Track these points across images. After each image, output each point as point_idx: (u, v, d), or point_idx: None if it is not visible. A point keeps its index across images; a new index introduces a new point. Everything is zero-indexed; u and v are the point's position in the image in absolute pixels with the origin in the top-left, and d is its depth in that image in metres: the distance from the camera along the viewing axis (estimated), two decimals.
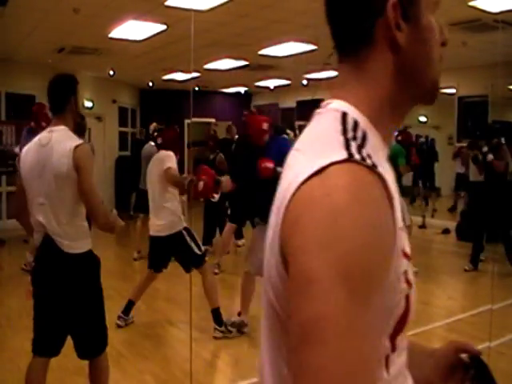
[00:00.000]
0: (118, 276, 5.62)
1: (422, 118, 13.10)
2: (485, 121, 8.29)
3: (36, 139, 2.41)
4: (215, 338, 3.93)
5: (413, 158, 6.28)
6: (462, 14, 5.54)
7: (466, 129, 8.92)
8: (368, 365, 0.57)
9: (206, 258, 4.14)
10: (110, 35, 6.71)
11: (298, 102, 12.32)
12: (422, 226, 8.33)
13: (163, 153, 4.18)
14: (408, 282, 0.65)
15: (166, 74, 10.05)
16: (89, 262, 2.43)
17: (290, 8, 5.45)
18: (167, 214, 3.99)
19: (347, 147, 0.62)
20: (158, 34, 6.62)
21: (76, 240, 2.36)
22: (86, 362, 2.58)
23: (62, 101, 2.41)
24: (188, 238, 3.99)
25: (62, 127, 2.38)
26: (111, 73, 9.14)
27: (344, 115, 0.68)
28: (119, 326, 4.02)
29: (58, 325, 2.41)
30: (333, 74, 9.79)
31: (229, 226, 5.93)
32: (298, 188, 0.60)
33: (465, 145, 8.42)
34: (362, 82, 0.71)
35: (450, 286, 5.73)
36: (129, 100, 12.11)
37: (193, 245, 4.00)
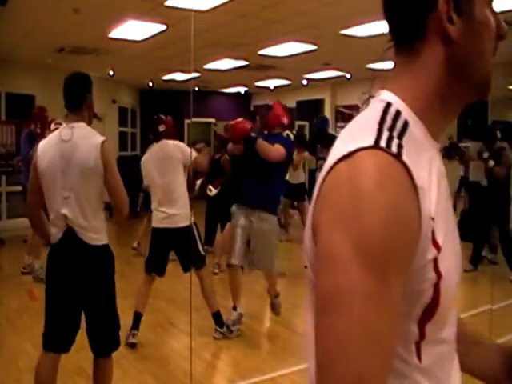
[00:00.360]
0: (117, 275, 5.62)
1: None
2: (485, 121, 8.28)
3: (55, 135, 2.46)
4: (215, 338, 3.93)
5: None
6: None
7: (466, 129, 8.91)
8: (381, 338, 0.60)
9: (206, 261, 4.08)
10: (110, 35, 6.71)
11: (298, 102, 12.32)
12: None
13: (177, 143, 3.99)
14: (438, 271, 0.66)
15: (165, 74, 10.05)
16: (109, 254, 2.51)
17: (289, 8, 5.46)
18: (184, 204, 3.86)
19: (378, 135, 0.65)
20: (158, 34, 6.62)
21: (99, 232, 2.44)
22: (86, 363, 2.59)
23: (79, 97, 2.47)
24: (196, 234, 3.91)
25: (82, 124, 2.45)
26: (111, 73, 9.14)
27: (387, 105, 0.71)
28: (132, 345, 3.71)
29: (74, 318, 2.44)
30: (333, 73, 9.80)
31: (229, 226, 5.93)
32: (330, 170, 0.65)
33: (467, 145, 8.42)
34: (413, 75, 0.73)
35: None
36: (129, 100, 12.11)
37: (199, 243, 3.93)
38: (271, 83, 11.47)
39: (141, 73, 10.07)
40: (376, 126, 0.67)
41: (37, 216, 2.52)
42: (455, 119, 0.81)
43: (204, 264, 3.94)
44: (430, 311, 0.67)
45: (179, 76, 10.05)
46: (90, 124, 2.50)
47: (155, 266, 3.91)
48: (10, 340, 3.90)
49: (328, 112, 11.53)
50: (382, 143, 0.63)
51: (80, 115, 2.46)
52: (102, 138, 2.42)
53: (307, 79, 10.63)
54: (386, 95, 0.73)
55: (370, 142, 0.64)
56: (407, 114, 0.71)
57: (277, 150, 3.77)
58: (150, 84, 11.03)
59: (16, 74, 8.51)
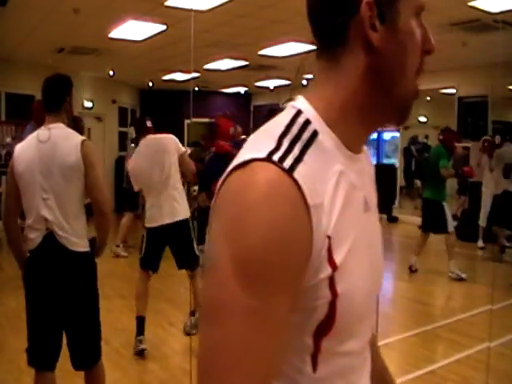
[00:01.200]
0: (114, 275, 5.63)
1: (422, 118, 13.08)
2: (485, 121, 8.29)
3: (32, 136, 2.38)
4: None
5: (466, 169, 6.11)
6: (462, 14, 5.54)
7: (466, 129, 8.92)
8: (256, 357, 0.59)
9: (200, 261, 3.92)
10: (110, 35, 6.71)
11: None
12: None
13: (167, 134, 3.86)
14: (333, 290, 0.64)
15: (166, 74, 10.05)
16: (91, 263, 2.41)
17: (290, 8, 5.45)
18: (182, 195, 3.73)
19: (275, 146, 0.63)
20: (158, 34, 6.62)
21: (82, 238, 2.35)
22: None
23: (59, 99, 2.40)
24: (191, 230, 3.79)
25: (60, 124, 2.38)
26: (111, 73, 9.15)
27: (297, 114, 0.68)
28: (141, 352, 3.55)
29: (58, 333, 2.34)
30: None
31: None
32: (226, 177, 0.63)
33: (467, 145, 8.43)
34: (331, 81, 0.71)
35: (450, 286, 5.73)
36: (129, 100, 12.11)
37: (194, 242, 3.79)
38: (271, 83, 11.47)
39: (141, 73, 10.07)
40: (277, 137, 0.64)
41: (13, 223, 2.40)
42: (374, 130, 0.77)
43: (198, 265, 3.82)
44: (325, 327, 0.66)
45: (179, 76, 10.05)
46: (68, 126, 2.43)
47: (151, 264, 3.78)
48: (10, 340, 3.90)
49: None
50: (275, 157, 0.61)
51: (58, 117, 2.39)
52: (81, 138, 2.35)
53: (307, 79, 10.63)
54: (300, 102, 0.71)
55: (265, 153, 0.61)
56: (318, 123, 0.68)
57: None
58: (150, 84, 11.03)
59: (16, 74, 8.52)
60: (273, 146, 0.63)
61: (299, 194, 0.60)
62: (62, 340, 2.38)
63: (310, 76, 10.29)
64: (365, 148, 0.80)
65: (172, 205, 3.66)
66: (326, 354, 0.68)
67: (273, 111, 4.23)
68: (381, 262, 0.81)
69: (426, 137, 12.39)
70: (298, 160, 0.62)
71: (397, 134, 10.62)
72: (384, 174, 9.73)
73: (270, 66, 9.15)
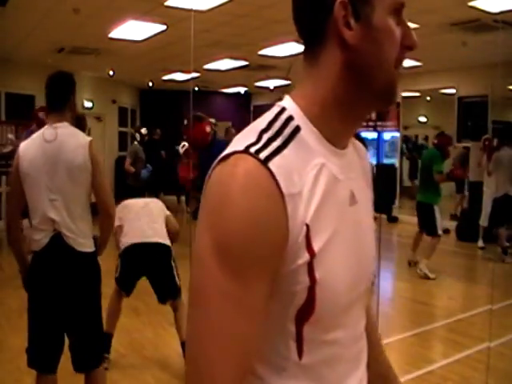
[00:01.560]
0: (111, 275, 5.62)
1: (422, 118, 13.10)
2: (485, 121, 8.29)
3: (37, 135, 2.33)
4: None
5: (456, 171, 6.18)
6: (462, 14, 5.55)
7: (466, 129, 8.92)
8: (237, 339, 0.63)
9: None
10: (110, 35, 6.72)
11: None
12: None
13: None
14: (312, 276, 0.67)
15: (166, 74, 10.06)
16: (97, 263, 2.40)
17: (289, 8, 5.43)
18: (164, 226, 3.56)
19: (255, 140, 0.67)
20: (158, 34, 6.63)
21: (88, 238, 2.33)
22: None
23: (63, 98, 2.37)
24: (172, 258, 3.50)
25: (66, 123, 2.34)
26: (111, 73, 9.16)
27: (281, 111, 0.72)
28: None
29: (60, 334, 2.33)
30: None
31: None
32: (212, 171, 0.68)
33: (467, 145, 8.43)
34: (312, 79, 0.73)
35: (450, 286, 5.73)
36: (129, 100, 12.12)
37: (175, 272, 3.48)
38: (271, 83, 11.47)
39: (141, 73, 10.07)
40: (258, 132, 0.68)
41: (16, 224, 2.38)
42: (360, 125, 0.80)
43: (180, 296, 3.51)
44: (305, 313, 0.69)
45: (179, 76, 10.05)
46: (72, 125, 2.40)
47: (125, 287, 3.54)
48: (9, 340, 3.90)
49: None
50: (253, 149, 0.65)
51: (62, 116, 2.35)
52: (89, 138, 2.34)
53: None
54: (285, 100, 0.74)
55: (243, 146, 0.65)
56: (301, 120, 0.71)
57: None
58: (150, 84, 11.04)
59: (16, 74, 8.52)
60: (253, 140, 0.67)
61: (274, 184, 0.63)
62: (64, 342, 2.37)
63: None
64: (357, 144, 0.83)
65: (152, 226, 3.44)
66: (311, 341, 0.71)
67: None
68: (370, 255, 0.82)
69: (426, 138, 12.39)
70: (275, 152, 0.65)
71: (397, 134, 10.61)
72: (384, 174, 9.73)
73: (269, 66, 9.15)
